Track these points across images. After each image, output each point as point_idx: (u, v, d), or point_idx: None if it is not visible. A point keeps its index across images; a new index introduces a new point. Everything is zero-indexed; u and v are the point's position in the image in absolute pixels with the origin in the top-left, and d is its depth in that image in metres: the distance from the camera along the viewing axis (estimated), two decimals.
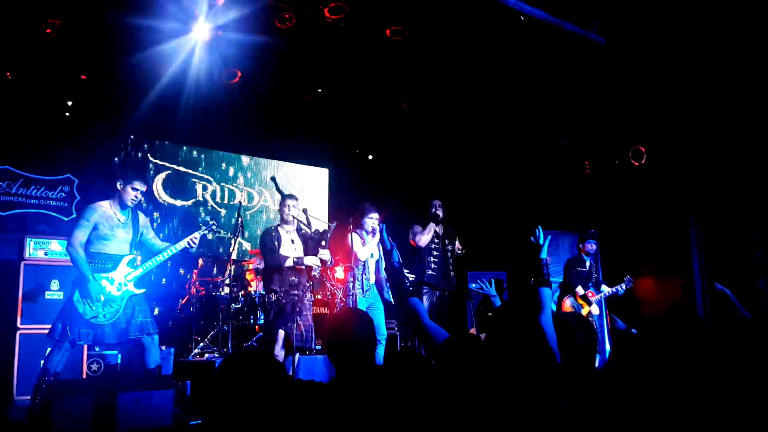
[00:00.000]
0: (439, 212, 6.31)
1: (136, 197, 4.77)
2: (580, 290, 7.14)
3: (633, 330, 3.59)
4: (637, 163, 8.15)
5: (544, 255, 3.51)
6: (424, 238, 6.17)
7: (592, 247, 7.27)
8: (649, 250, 8.20)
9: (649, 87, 7.26)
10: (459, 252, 6.47)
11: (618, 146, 8.41)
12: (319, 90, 7.78)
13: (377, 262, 6.20)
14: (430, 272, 6.16)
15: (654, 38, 6.45)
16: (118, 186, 4.70)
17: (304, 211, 5.98)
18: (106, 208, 4.67)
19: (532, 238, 3.60)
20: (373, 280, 6.09)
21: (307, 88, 7.96)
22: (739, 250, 7.31)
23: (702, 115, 7.41)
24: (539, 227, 3.59)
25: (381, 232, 5.99)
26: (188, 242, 4.89)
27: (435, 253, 6.24)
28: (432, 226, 6.24)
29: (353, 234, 5.95)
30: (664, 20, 6.20)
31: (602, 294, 7.19)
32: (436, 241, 6.30)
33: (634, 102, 7.60)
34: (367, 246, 5.99)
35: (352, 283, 5.91)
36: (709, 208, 7.74)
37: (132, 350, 5.90)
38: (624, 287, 7.17)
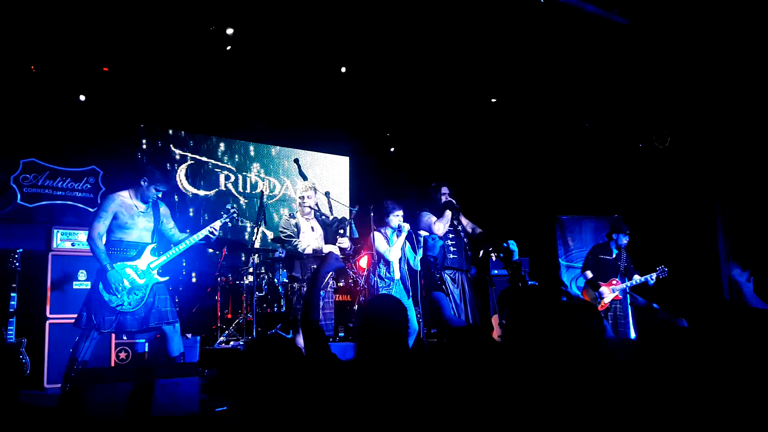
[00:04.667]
0: (452, 200, 6.16)
1: (156, 196, 4.83)
2: (588, 274, 7.15)
3: (654, 305, 3.53)
4: (661, 147, 8.03)
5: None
6: (442, 228, 6.02)
7: (622, 240, 7.19)
8: (673, 234, 8.08)
9: (673, 68, 7.14)
10: (472, 232, 6.32)
11: (642, 129, 8.29)
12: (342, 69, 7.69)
13: (402, 254, 6.03)
14: (452, 256, 6.07)
15: (679, 18, 6.32)
16: (142, 183, 4.74)
17: (327, 194, 5.95)
18: (125, 197, 4.72)
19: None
20: (398, 275, 5.95)
21: (330, 75, 7.95)
22: (765, 237, 7.17)
23: (727, 97, 7.27)
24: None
25: (411, 235, 5.90)
26: (209, 231, 4.92)
27: (451, 236, 6.12)
28: (449, 215, 6.07)
29: (376, 233, 5.86)
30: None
31: (629, 283, 7.09)
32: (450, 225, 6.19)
33: (658, 84, 7.48)
34: (395, 246, 5.84)
35: (373, 274, 5.83)
36: (736, 193, 7.61)
37: (159, 339, 6.00)
38: (655, 277, 7.03)
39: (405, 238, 5.84)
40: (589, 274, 7.16)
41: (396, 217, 5.87)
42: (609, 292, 7.03)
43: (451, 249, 6.11)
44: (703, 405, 1.98)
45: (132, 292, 4.56)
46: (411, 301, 5.90)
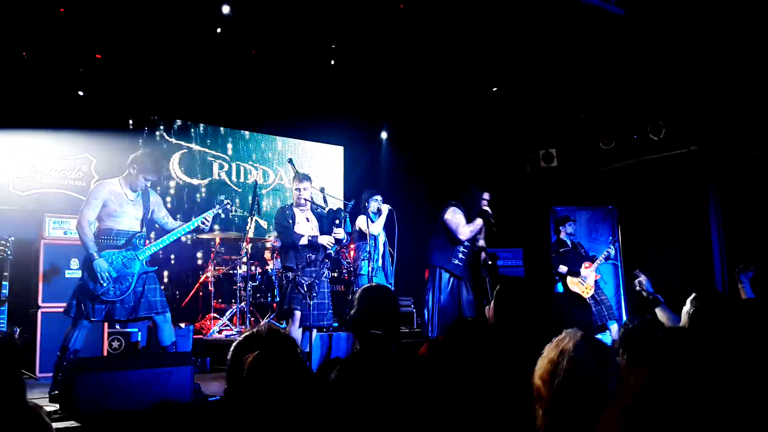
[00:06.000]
0: (489, 210, 5.86)
1: (145, 185, 4.77)
2: (562, 269, 7.23)
3: (659, 296, 3.52)
4: (655, 138, 8.04)
5: None
6: (468, 234, 5.75)
7: (569, 229, 7.43)
8: (668, 225, 8.11)
9: (669, 58, 7.13)
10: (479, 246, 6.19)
11: (637, 120, 8.30)
12: (332, 62, 7.67)
13: (384, 244, 6.46)
14: (456, 262, 5.79)
15: (675, 8, 6.30)
16: (131, 171, 4.68)
17: (322, 190, 5.98)
18: (115, 185, 4.68)
19: None
20: (380, 262, 6.37)
21: (322, 63, 7.90)
22: (759, 227, 7.21)
23: (723, 87, 7.27)
24: None
25: (392, 213, 6.08)
26: (201, 221, 4.90)
27: (466, 243, 5.83)
28: (479, 223, 5.79)
29: (361, 216, 6.29)
30: None
31: (599, 261, 7.26)
32: None
33: (654, 74, 7.47)
34: (376, 222, 6.24)
35: (366, 261, 6.00)
36: (730, 185, 7.63)
37: (152, 328, 5.97)
38: (612, 247, 7.39)
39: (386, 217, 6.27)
40: (564, 268, 7.25)
41: (375, 202, 6.28)
42: (589, 273, 7.16)
43: (459, 256, 5.85)
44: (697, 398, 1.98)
45: (118, 281, 4.53)
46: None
